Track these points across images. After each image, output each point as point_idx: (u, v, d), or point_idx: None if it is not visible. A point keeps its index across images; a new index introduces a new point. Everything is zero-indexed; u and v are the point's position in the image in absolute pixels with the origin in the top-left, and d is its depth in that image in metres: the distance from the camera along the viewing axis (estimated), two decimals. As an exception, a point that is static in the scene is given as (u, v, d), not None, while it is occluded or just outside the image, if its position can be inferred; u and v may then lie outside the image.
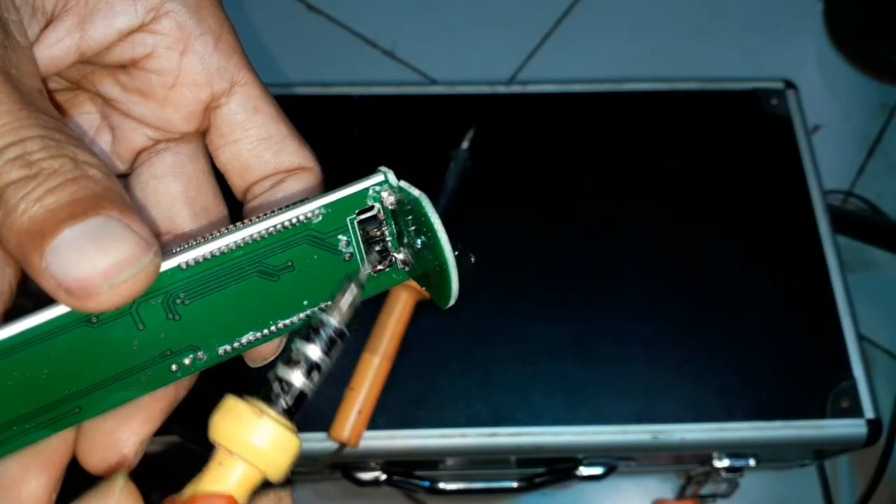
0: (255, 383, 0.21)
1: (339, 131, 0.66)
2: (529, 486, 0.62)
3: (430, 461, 0.61)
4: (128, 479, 0.18)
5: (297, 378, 0.20)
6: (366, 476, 0.60)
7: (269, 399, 0.20)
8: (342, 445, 0.55)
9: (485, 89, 0.69)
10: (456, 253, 0.20)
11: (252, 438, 0.19)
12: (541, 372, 0.58)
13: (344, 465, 0.60)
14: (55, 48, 0.20)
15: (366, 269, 0.22)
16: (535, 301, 0.60)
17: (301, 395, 0.20)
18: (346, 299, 0.21)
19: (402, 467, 0.61)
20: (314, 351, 0.20)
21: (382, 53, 0.87)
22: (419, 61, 0.86)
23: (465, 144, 0.65)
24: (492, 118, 0.67)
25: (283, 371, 0.20)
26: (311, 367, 0.20)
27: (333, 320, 0.21)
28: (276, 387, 0.20)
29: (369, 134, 0.66)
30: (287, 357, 0.20)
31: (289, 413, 0.20)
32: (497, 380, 0.58)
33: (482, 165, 0.65)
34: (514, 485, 0.62)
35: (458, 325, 0.59)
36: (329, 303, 0.22)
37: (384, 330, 0.57)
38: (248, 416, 0.19)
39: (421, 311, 0.59)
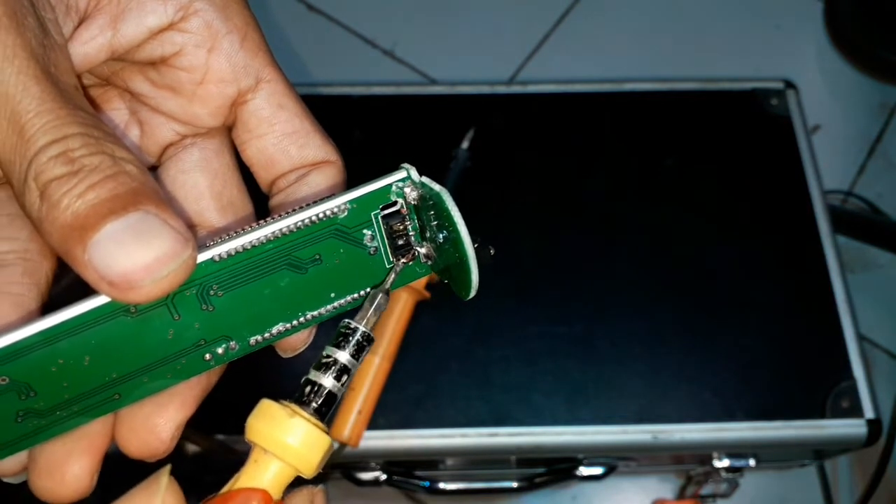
0: (284, 387, 0.21)
1: (339, 131, 0.65)
2: (529, 486, 0.62)
3: (430, 461, 0.61)
4: (171, 477, 0.19)
5: (327, 381, 0.21)
6: (366, 476, 0.61)
7: (301, 401, 0.21)
8: (342, 445, 0.55)
9: (485, 89, 0.69)
10: (476, 245, 0.21)
11: (285, 437, 0.20)
12: (541, 372, 0.58)
13: (344, 465, 0.60)
14: (88, 46, 0.21)
15: (391, 278, 0.23)
16: (535, 301, 0.60)
17: (331, 396, 0.21)
18: (374, 307, 0.22)
19: (402, 467, 0.61)
20: (343, 356, 0.21)
21: (382, 53, 0.87)
22: (419, 61, 0.87)
23: (465, 144, 0.65)
24: (492, 118, 0.67)
25: (314, 375, 0.21)
26: (341, 371, 0.21)
27: (361, 326, 0.22)
28: (307, 389, 0.21)
29: (370, 134, 0.66)
30: (318, 362, 0.22)
31: (320, 413, 0.21)
32: (497, 380, 0.58)
33: (482, 165, 0.65)
34: (514, 485, 0.62)
35: (458, 325, 0.59)
36: (357, 307, 0.23)
37: (384, 330, 0.57)
38: (280, 416, 0.20)
39: (421, 311, 0.59)
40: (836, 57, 0.88)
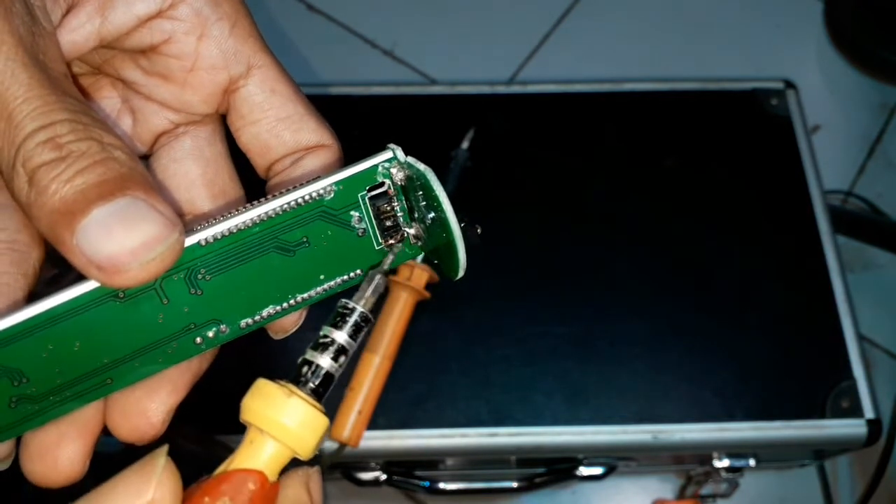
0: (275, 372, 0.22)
1: (339, 131, 0.65)
2: (529, 486, 0.62)
3: (430, 461, 0.61)
4: (168, 458, 0.19)
5: (325, 361, 0.21)
6: (366, 476, 0.60)
7: (297, 381, 0.21)
8: (342, 445, 0.55)
9: (485, 89, 0.69)
10: (462, 224, 0.21)
11: (281, 417, 0.20)
12: (541, 372, 0.58)
13: (344, 465, 0.60)
14: (76, 33, 0.21)
15: (389, 259, 0.23)
16: (535, 301, 0.60)
17: (328, 377, 0.21)
18: (372, 287, 0.22)
19: (402, 467, 0.61)
20: (341, 336, 0.21)
21: (382, 53, 0.87)
22: (419, 61, 0.87)
23: (465, 144, 0.65)
24: (492, 118, 0.67)
25: (311, 355, 0.21)
26: (339, 351, 0.21)
27: (360, 307, 0.22)
28: (304, 370, 0.21)
29: (369, 134, 0.66)
30: (315, 342, 0.21)
31: (317, 394, 0.21)
32: (497, 380, 0.58)
33: (482, 165, 0.65)
34: (514, 485, 0.62)
35: (458, 325, 0.59)
36: (356, 290, 0.23)
37: (384, 330, 0.57)
38: (277, 395, 0.20)
39: (421, 311, 0.59)
40: (836, 57, 0.88)
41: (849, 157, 0.83)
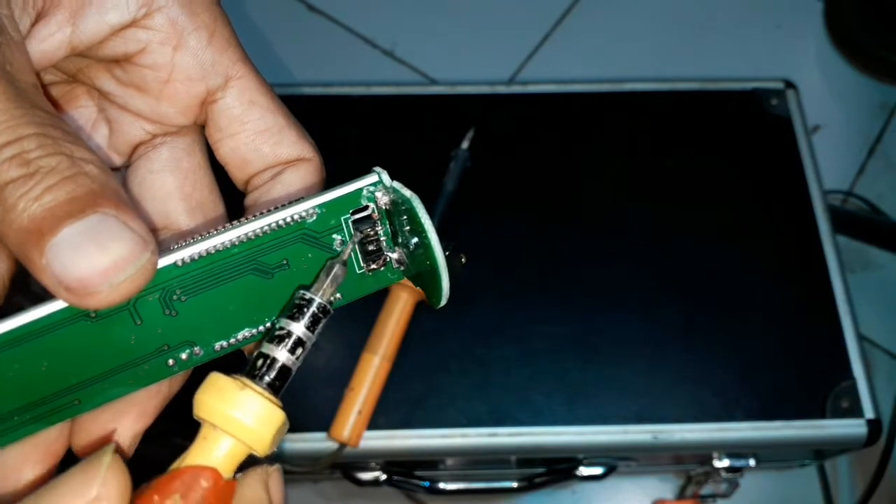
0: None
1: (339, 131, 0.66)
2: (529, 486, 0.62)
3: (430, 461, 0.61)
4: (115, 455, 0.18)
5: (281, 354, 0.20)
6: (366, 476, 0.60)
7: (252, 375, 0.20)
8: (342, 445, 0.55)
9: (485, 89, 0.69)
10: (447, 253, 0.21)
11: (234, 411, 0.19)
12: (541, 372, 0.58)
13: (344, 465, 0.60)
14: (46, 43, 0.20)
15: (348, 249, 0.22)
16: (535, 301, 0.60)
17: (284, 370, 0.20)
18: (330, 277, 0.21)
19: (402, 467, 0.61)
20: (298, 328, 0.20)
21: (382, 53, 0.87)
22: (419, 61, 0.86)
23: (465, 144, 0.65)
24: (492, 118, 0.67)
25: (267, 348, 0.20)
26: (296, 344, 0.20)
27: (318, 297, 0.21)
28: (259, 363, 0.20)
29: (369, 134, 0.66)
30: (271, 335, 0.21)
31: (273, 388, 0.20)
32: (497, 380, 0.58)
33: (482, 165, 0.65)
34: (514, 485, 0.62)
35: (458, 325, 0.59)
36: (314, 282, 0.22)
37: (384, 330, 0.57)
38: (230, 389, 0.19)
39: (421, 311, 0.59)
40: (836, 57, 0.88)
41: (849, 157, 0.83)
